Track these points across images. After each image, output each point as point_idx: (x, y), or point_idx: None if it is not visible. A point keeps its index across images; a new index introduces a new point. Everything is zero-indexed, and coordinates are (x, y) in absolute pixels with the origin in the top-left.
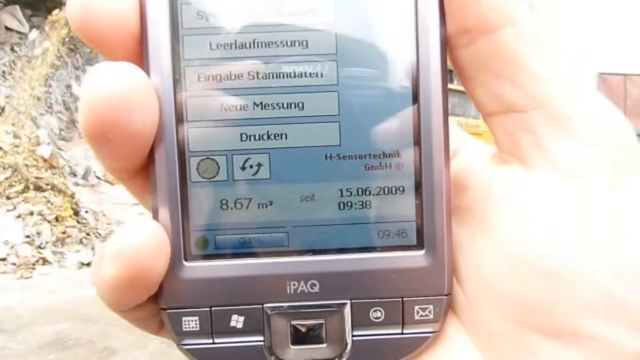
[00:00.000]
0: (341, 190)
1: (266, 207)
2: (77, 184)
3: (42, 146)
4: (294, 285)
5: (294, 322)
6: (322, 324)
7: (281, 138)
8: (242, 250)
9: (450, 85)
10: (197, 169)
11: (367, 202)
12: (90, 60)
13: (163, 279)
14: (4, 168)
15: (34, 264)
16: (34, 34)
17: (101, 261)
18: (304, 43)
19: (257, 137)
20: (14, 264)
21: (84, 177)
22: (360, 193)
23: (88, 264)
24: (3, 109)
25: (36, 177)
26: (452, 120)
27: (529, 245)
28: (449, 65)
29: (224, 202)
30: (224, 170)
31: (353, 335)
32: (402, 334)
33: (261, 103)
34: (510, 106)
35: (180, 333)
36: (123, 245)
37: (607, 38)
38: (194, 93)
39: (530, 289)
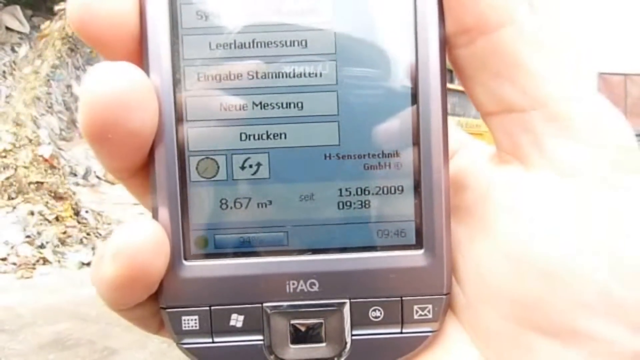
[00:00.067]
0: (340, 189)
1: (265, 206)
2: (77, 184)
3: (43, 146)
4: (293, 284)
5: (293, 322)
6: (321, 323)
7: (280, 138)
8: (242, 249)
9: (450, 85)
10: (197, 168)
11: (367, 202)
12: (91, 60)
13: (163, 278)
14: (4, 168)
15: (34, 264)
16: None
17: (101, 261)
18: (303, 43)
19: (256, 137)
20: (14, 263)
21: (84, 177)
22: (359, 193)
23: (88, 264)
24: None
25: (37, 182)
26: (452, 120)
27: (529, 245)
28: (449, 64)
29: (223, 201)
30: (223, 169)
31: (352, 335)
32: (401, 333)
33: (260, 103)
34: (509, 106)
35: (180, 332)
36: (123, 244)
37: (607, 38)
38: (193, 93)
39: (530, 289)
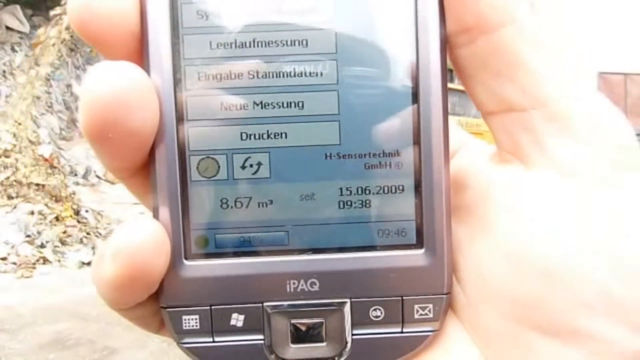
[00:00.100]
0: (341, 189)
1: (266, 206)
2: (77, 184)
3: (43, 146)
4: (294, 284)
5: (294, 321)
6: (322, 322)
7: (281, 137)
8: (242, 249)
9: (450, 85)
10: (197, 168)
11: (367, 201)
12: (91, 60)
13: (163, 278)
14: (4, 167)
15: (34, 264)
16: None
17: (101, 260)
18: (304, 42)
19: (257, 136)
20: (14, 263)
21: (85, 176)
22: (360, 192)
23: (88, 264)
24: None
25: (37, 184)
26: (452, 119)
27: (529, 244)
28: (449, 64)
29: (224, 201)
30: (224, 169)
31: (353, 334)
32: (401, 332)
33: (261, 102)
34: (510, 105)
35: (181, 332)
36: (123, 244)
37: (607, 37)
38: (194, 92)
39: (530, 288)
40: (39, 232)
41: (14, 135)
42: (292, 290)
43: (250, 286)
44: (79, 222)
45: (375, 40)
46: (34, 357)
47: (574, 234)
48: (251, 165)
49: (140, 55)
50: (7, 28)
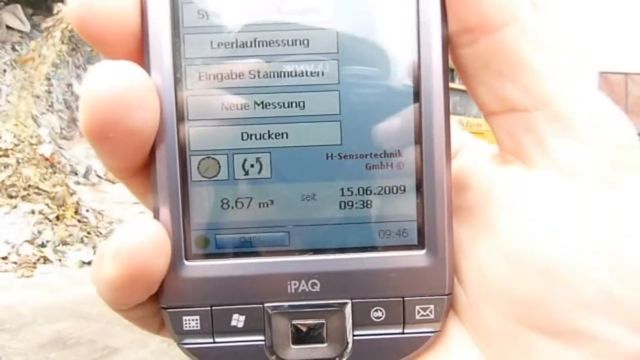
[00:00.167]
0: (342, 189)
1: (267, 206)
2: (78, 183)
3: (43, 145)
4: (294, 284)
5: (294, 322)
6: (322, 323)
7: (282, 137)
8: (243, 249)
9: (451, 84)
10: (198, 168)
11: (368, 202)
12: (91, 59)
13: (164, 278)
14: (4, 167)
15: (35, 263)
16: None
17: (101, 260)
18: (305, 42)
19: (258, 137)
20: (15, 262)
21: (85, 175)
22: (361, 192)
23: (89, 263)
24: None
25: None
26: (453, 119)
27: (529, 245)
28: (451, 64)
29: (224, 201)
30: (224, 169)
31: (354, 335)
32: (403, 333)
33: (262, 102)
34: (512, 105)
35: (181, 332)
36: (123, 244)
37: (608, 37)
38: (194, 92)
39: (530, 288)
40: (39, 232)
41: (15, 134)
42: (293, 290)
43: (250, 287)
44: (79, 221)
45: (376, 40)
46: (34, 357)
47: (574, 234)
48: (252, 166)
49: (141, 54)
50: (8, 27)
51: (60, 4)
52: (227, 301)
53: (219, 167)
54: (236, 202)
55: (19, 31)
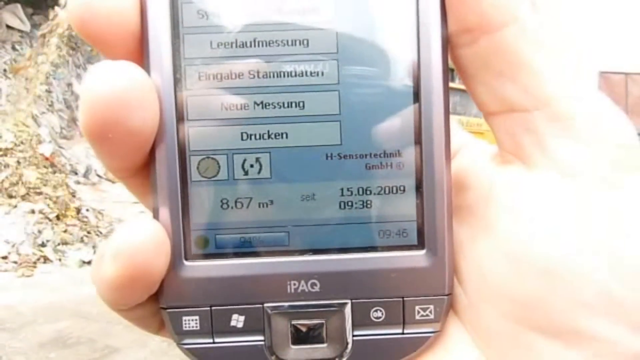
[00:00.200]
0: (342, 189)
1: (267, 206)
2: (78, 182)
3: (44, 144)
4: (294, 284)
5: (294, 322)
6: (322, 323)
7: (282, 137)
8: (243, 249)
9: (451, 84)
10: (198, 168)
11: (368, 202)
12: (92, 59)
13: (163, 278)
14: (4, 166)
15: (35, 263)
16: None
17: (101, 260)
18: (305, 42)
19: (257, 137)
20: (15, 262)
21: (85, 175)
22: (361, 192)
23: (89, 262)
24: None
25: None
26: (453, 119)
27: (529, 245)
28: (451, 64)
29: (224, 201)
30: (224, 169)
31: (354, 335)
32: (402, 334)
33: (262, 102)
34: (511, 106)
35: (181, 332)
36: (123, 244)
37: (608, 36)
38: (194, 92)
39: (530, 288)
40: (39, 231)
41: (15, 133)
42: (292, 291)
43: (250, 287)
44: (79, 220)
45: (376, 40)
46: (34, 356)
47: (574, 234)
48: (252, 166)
49: (141, 54)
50: (8, 27)
51: (57, 8)
52: (226, 301)
53: (219, 167)
54: (236, 202)
55: (19, 30)
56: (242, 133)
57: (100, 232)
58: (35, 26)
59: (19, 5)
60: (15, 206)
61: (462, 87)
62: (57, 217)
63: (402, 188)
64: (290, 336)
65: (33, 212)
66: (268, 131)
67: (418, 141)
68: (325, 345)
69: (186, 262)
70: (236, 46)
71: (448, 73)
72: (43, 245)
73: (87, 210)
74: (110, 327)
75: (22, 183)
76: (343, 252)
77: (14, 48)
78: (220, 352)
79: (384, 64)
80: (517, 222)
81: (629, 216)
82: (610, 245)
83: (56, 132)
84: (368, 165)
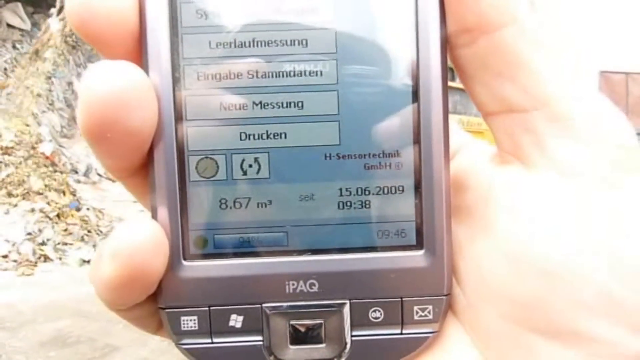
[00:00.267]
0: (340, 189)
1: (265, 206)
2: (78, 181)
3: (44, 143)
4: (293, 285)
5: (293, 322)
6: (321, 323)
7: (280, 137)
8: (241, 249)
9: (452, 83)
10: (196, 168)
11: (367, 202)
12: (92, 58)
13: (162, 278)
14: (5, 165)
15: (35, 262)
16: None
17: (99, 260)
18: (304, 42)
19: (256, 137)
20: (15, 261)
21: (86, 174)
22: (359, 193)
23: (89, 261)
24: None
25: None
26: (454, 118)
27: (529, 245)
28: (450, 64)
29: (223, 201)
30: (223, 169)
31: (352, 335)
32: (401, 334)
33: (261, 102)
34: (510, 106)
35: (179, 332)
36: (121, 244)
37: (609, 36)
38: (193, 92)
39: (530, 289)
40: (40, 230)
41: (15, 132)
42: (291, 291)
43: (249, 287)
44: (80, 219)
45: (375, 40)
46: (34, 355)
47: (574, 234)
48: (250, 166)
49: (139, 54)
50: (8, 25)
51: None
52: (225, 301)
53: (217, 167)
54: (234, 202)
55: (20, 29)
56: (240, 133)
57: (101, 231)
58: (35, 25)
59: (19, 4)
60: (16, 205)
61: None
62: (58, 216)
63: (400, 188)
64: (288, 336)
65: (33, 211)
66: (267, 131)
67: (417, 141)
68: (323, 345)
69: (185, 262)
70: (235, 46)
71: (447, 73)
72: (43, 244)
73: (88, 209)
74: (110, 326)
75: (23, 182)
76: (342, 253)
77: (14, 47)
78: (219, 352)
79: (383, 64)
80: (517, 222)
81: (629, 216)
82: (610, 245)
83: (57, 131)
84: (367, 165)
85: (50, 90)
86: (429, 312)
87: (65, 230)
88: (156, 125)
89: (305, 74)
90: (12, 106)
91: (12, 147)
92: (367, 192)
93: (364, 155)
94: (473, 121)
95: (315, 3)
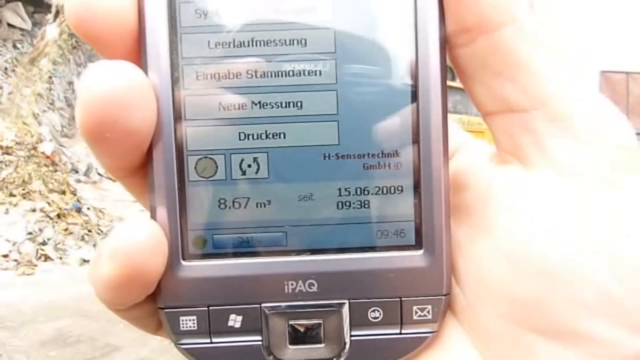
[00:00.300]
0: (340, 189)
1: (264, 206)
2: (79, 181)
3: (44, 143)
4: (292, 284)
5: (292, 322)
6: (320, 323)
7: (280, 137)
8: (240, 249)
9: (452, 83)
10: (195, 168)
11: (366, 202)
12: (92, 57)
13: (161, 278)
14: (5, 165)
15: (36, 261)
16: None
17: (99, 260)
18: (303, 41)
19: (255, 136)
20: (16, 260)
21: (86, 173)
22: (358, 192)
23: (90, 261)
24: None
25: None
26: (454, 118)
27: (528, 245)
28: (449, 63)
29: (222, 201)
30: (222, 169)
31: (351, 335)
32: (400, 334)
33: (260, 102)
34: (510, 106)
35: (178, 332)
36: (120, 244)
37: (609, 36)
38: (192, 91)
39: (529, 289)
40: (40, 230)
41: (16, 132)
42: (290, 291)
43: (248, 287)
44: (80, 219)
45: (374, 39)
46: (35, 354)
47: (573, 234)
48: (249, 166)
49: (138, 54)
50: (9, 25)
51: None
52: (224, 301)
53: (216, 167)
54: (233, 202)
55: (20, 29)
56: (239, 133)
57: (101, 231)
58: (36, 24)
59: (20, 4)
60: (16, 204)
61: None
62: (58, 216)
63: (399, 188)
64: (287, 336)
65: (34, 210)
66: (266, 131)
67: (416, 141)
68: (322, 345)
69: (184, 262)
70: (234, 46)
71: (446, 73)
72: (44, 243)
73: (88, 208)
74: (110, 325)
75: (23, 182)
76: (341, 252)
77: (15, 46)
78: (218, 352)
79: (382, 63)
80: (516, 222)
81: (629, 216)
82: (610, 245)
83: (57, 131)
84: (366, 165)
85: (50, 90)
86: (428, 312)
87: (66, 229)
88: (155, 125)
89: (304, 74)
90: (13, 106)
91: (12, 147)
92: (366, 192)
93: (363, 155)
94: (473, 121)
95: (314, 3)
